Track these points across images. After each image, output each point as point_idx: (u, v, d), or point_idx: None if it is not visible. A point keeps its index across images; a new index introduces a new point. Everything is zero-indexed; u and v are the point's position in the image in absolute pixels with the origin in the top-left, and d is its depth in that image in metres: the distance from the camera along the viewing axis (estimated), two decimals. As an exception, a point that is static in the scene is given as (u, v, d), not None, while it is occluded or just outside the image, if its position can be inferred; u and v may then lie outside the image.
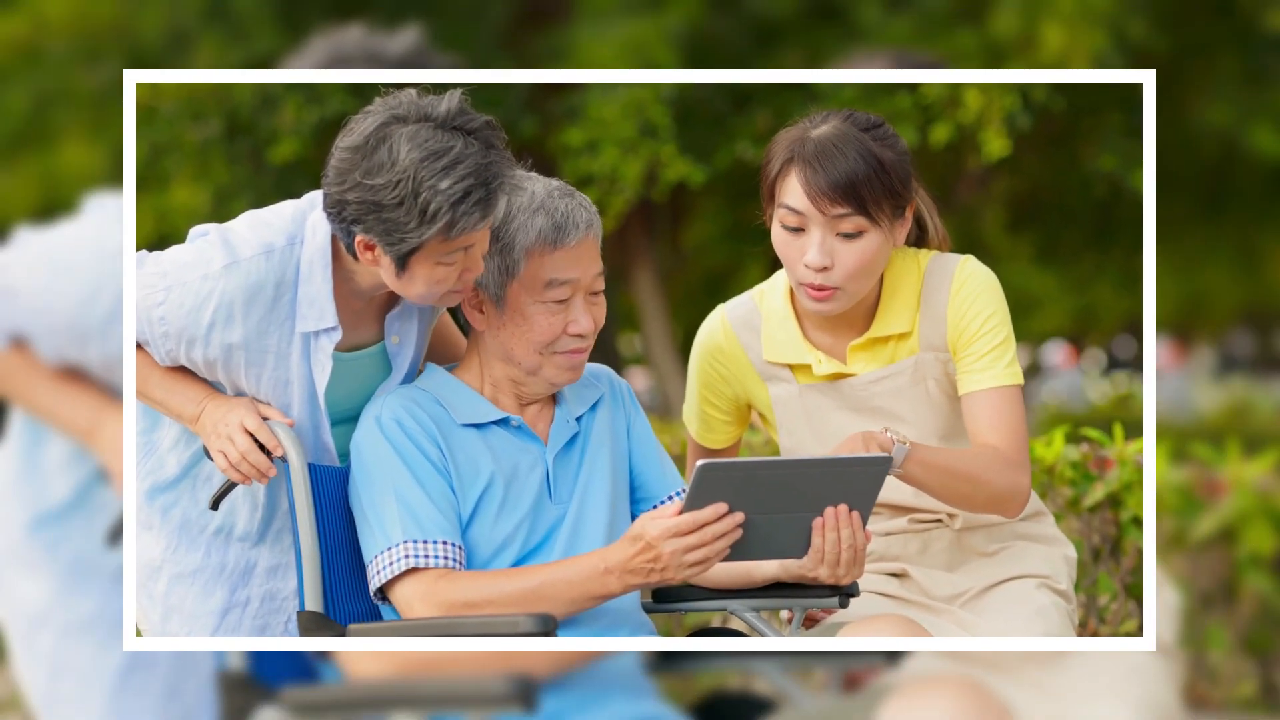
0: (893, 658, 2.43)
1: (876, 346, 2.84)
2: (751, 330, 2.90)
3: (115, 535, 2.56)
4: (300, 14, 10.93)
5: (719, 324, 2.92)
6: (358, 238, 2.49)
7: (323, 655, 2.32)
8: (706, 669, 2.59)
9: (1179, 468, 5.30)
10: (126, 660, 2.63)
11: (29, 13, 11.61)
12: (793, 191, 2.72)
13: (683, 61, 10.60)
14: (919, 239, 2.90)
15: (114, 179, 2.88)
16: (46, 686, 2.64)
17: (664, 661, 2.53)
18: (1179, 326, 21.16)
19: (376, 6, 10.49)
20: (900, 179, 2.72)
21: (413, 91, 2.49)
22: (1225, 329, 23.17)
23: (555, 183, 2.62)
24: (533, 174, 2.61)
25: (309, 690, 2.20)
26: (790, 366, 2.88)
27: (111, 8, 11.45)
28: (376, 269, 2.53)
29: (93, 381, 2.66)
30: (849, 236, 2.71)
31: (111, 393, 2.65)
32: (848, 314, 2.82)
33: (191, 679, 2.71)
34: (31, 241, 2.64)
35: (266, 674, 2.27)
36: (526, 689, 2.00)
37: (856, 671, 2.55)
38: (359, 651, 2.22)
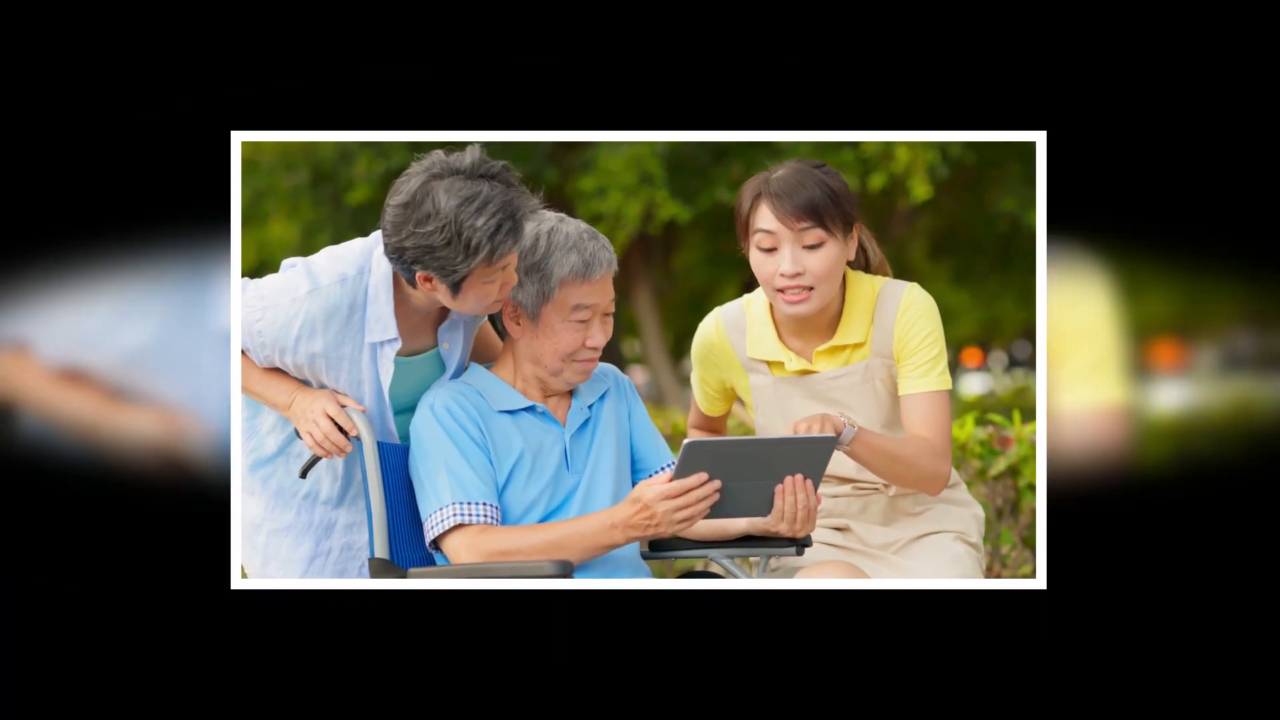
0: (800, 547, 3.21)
1: (837, 352, 3.28)
2: (739, 331, 3.34)
3: (304, 473, 3.16)
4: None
5: (714, 325, 3.37)
6: (418, 274, 2.89)
7: (436, 547, 3.00)
8: (680, 558, 3.28)
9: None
10: (309, 551, 3.26)
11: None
12: (765, 218, 3.17)
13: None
14: (865, 265, 3.34)
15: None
16: (260, 569, 3.27)
17: (653, 551, 3.26)
18: (1179, 327, 21.24)
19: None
20: (847, 201, 3.18)
21: (440, 151, 2.89)
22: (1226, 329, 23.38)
23: (584, 226, 3.03)
24: (564, 215, 3.04)
25: (428, 570, 3.01)
26: (767, 362, 3.32)
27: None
28: (434, 294, 2.94)
29: (283, 376, 3.14)
30: (813, 248, 3.15)
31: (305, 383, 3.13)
32: (816, 324, 3.26)
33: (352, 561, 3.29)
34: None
35: (402, 560, 3.05)
36: (566, 566, 2.88)
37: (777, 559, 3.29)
38: (459, 546, 2.99)
